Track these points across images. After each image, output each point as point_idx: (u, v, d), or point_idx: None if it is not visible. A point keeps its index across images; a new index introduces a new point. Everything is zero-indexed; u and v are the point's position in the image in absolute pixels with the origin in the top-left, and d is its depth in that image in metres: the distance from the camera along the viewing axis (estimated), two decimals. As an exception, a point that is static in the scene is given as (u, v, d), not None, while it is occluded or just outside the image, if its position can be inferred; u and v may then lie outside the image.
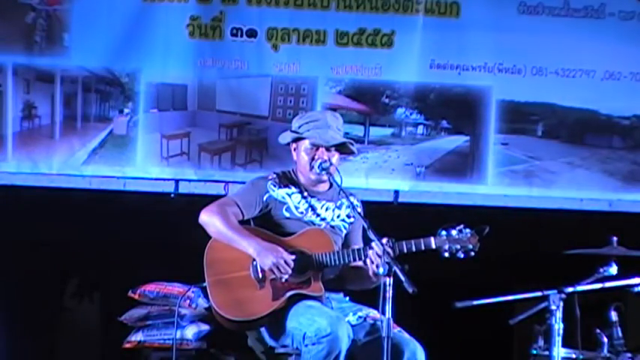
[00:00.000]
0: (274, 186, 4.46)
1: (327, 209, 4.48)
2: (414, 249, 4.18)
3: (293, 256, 4.26)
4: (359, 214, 4.35)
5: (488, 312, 4.34)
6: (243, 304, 4.29)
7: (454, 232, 4.19)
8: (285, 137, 4.53)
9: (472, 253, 4.18)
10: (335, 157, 4.44)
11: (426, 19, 6.01)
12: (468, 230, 4.20)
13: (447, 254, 4.18)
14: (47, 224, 5.81)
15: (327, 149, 4.41)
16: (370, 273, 4.22)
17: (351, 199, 4.42)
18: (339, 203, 4.50)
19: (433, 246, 4.19)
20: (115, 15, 5.97)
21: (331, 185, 4.49)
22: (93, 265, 5.98)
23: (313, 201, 4.47)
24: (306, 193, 4.48)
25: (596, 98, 6.05)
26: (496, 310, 4.34)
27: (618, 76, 6.03)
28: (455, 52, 6.02)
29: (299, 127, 4.48)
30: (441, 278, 4.85)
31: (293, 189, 4.48)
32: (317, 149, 4.42)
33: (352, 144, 4.49)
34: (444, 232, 4.20)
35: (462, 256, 4.18)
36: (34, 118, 6.02)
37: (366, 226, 4.14)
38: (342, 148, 4.47)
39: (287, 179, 4.51)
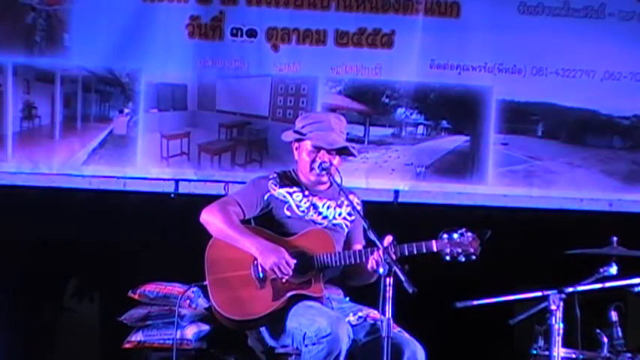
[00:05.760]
0: (275, 185, 4.46)
1: (328, 207, 4.49)
2: (415, 252, 4.18)
3: (294, 260, 4.26)
4: (359, 213, 4.34)
5: (488, 312, 4.34)
6: (243, 304, 4.29)
7: (456, 236, 4.19)
8: (287, 136, 4.54)
9: (473, 257, 4.18)
10: (336, 159, 4.44)
11: (426, 19, 6.01)
12: (469, 234, 4.19)
13: (448, 258, 4.18)
14: (47, 224, 5.80)
15: (329, 152, 4.41)
16: (369, 268, 4.22)
17: (351, 197, 4.43)
18: (339, 202, 4.51)
19: (434, 249, 4.19)
20: (115, 15, 5.96)
21: (332, 184, 4.48)
22: (93, 265, 5.98)
23: (315, 199, 4.47)
24: (307, 192, 4.48)
25: (597, 98, 6.05)
26: (496, 310, 4.34)
27: (618, 76, 6.03)
28: (455, 52, 6.01)
29: (302, 128, 4.48)
30: (441, 278, 4.85)
31: (294, 188, 4.48)
32: (318, 151, 4.42)
33: (354, 147, 4.49)
34: (445, 236, 4.19)
35: (463, 259, 4.18)
36: (34, 118, 6.02)
37: (366, 226, 4.14)
38: (344, 151, 4.47)
39: (288, 179, 4.51)
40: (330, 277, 4.36)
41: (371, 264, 4.17)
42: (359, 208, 4.42)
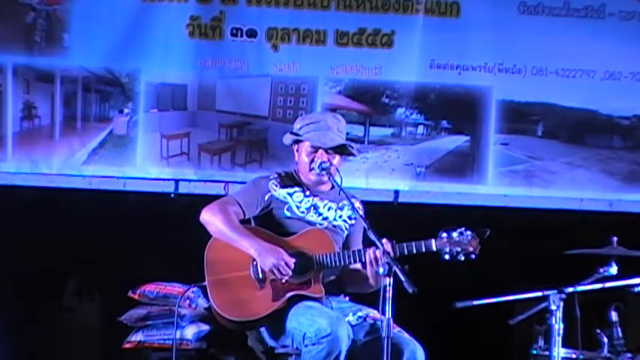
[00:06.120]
0: (276, 186, 4.46)
1: (329, 209, 4.49)
2: (414, 251, 4.18)
3: (293, 259, 4.26)
4: (360, 215, 4.34)
5: (488, 312, 4.34)
6: (243, 305, 4.29)
7: (455, 235, 4.19)
8: (286, 139, 4.54)
9: (472, 256, 4.18)
10: (336, 159, 4.44)
11: (426, 19, 6.00)
12: (469, 233, 4.20)
13: (447, 257, 4.18)
14: (47, 224, 5.80)
15: (327, 151, 4.41)
16: (369, 274, 4.22)
17: (353, 200, 4.42)
18: (341, 204, 4.50)
19: (434, 248, 4.19)
20: (115, 15, 5.96)
21: (334, 186, 4.48)
22: (93, 265, 5.97)
23: (316, 200, 4.47)
24: (308, 192, 4.48)
25: (596, 98, 6.05)
26: (496, 310, 4.34)
27: (618, 76, 6.02)
28: (455, 52, 6.01)
29: (299, 129, 4.49)
30: (441, 278, 4.85)
31: (295, 188, 4.48)
32: (317, 151, 4.42)
33: (352, 146, 4.49)
34: (444, 235, 4.19)
35: (462, 258, 4.18)
36: (34, 118, 6.02)
37: (366, 226, 4.14)
38: (343, 150, 4.47)
39: (289, 179, 4.51)
40: (329, 278, 4.36)
41: (369, 258, 4.17)
42: (361, 212, 4.41)
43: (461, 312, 4.26)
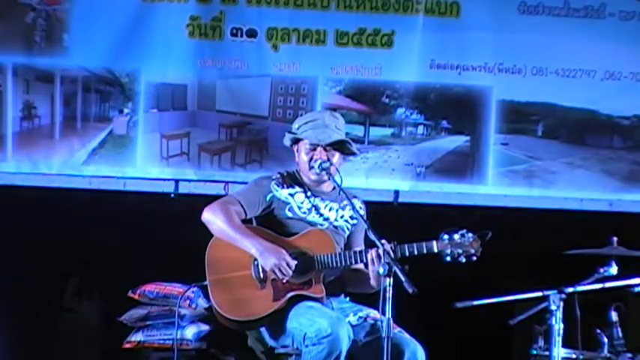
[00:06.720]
0: (278, 186, 4.46)
1: (330, 209, 4.48)
2: (416, 252, 4.18)
3: (295, 262, 4.26)
4: (360, 216, 4.34)
5: (488, 312, 4.34)
6: (243, 304, 4.29)
7: (456, 237, 4.19)
8: (286, 139, 4.54)
9: (474, 258, 4.18)
10: (335, 156, 4.44)
11: (426, 19, 6.01)
12: (470, 235, 4.20)
13: (448, 258, 4.18)
14: (47, 224, 5.80)
15: (326, 149, 4.41)
16: (370, 274, 4.22)
17: (354, 201, 4.42)
18: (342, 204, 4.50)
19: (435, 250, 4.19)
20: (115, 15, 5.96)
21: (335, 186, 4.48)
22: (93, 265, 5.97)
23: (317, 201, 4.47)
24: (310, 193, 4.48)
25: (597, 98, 6.05)
26: (496, 310, 4.34)
27: (618, 76, 6.02)
28: (455, 52, 6.01)
29: (297, 128, 4.50)
30: (441, 278, 4.84)
31: (297, 188, 4.48)
32: (315, 149, 4.42)
33: (351, 144, 4.49)
34: (446, 236, 4.19)
35: (463, 260, 4.18)
36: (34, 118, 6.02)
37: (366, 227, 4.14)
38: (343, 149, 4.47)
39: (291, 179, 4.51)
40: (330, 279, 4.36)
41: (371, 257, 4.17)
42: (362, 212, 4.41)
43: (461, 312, 4.26)
